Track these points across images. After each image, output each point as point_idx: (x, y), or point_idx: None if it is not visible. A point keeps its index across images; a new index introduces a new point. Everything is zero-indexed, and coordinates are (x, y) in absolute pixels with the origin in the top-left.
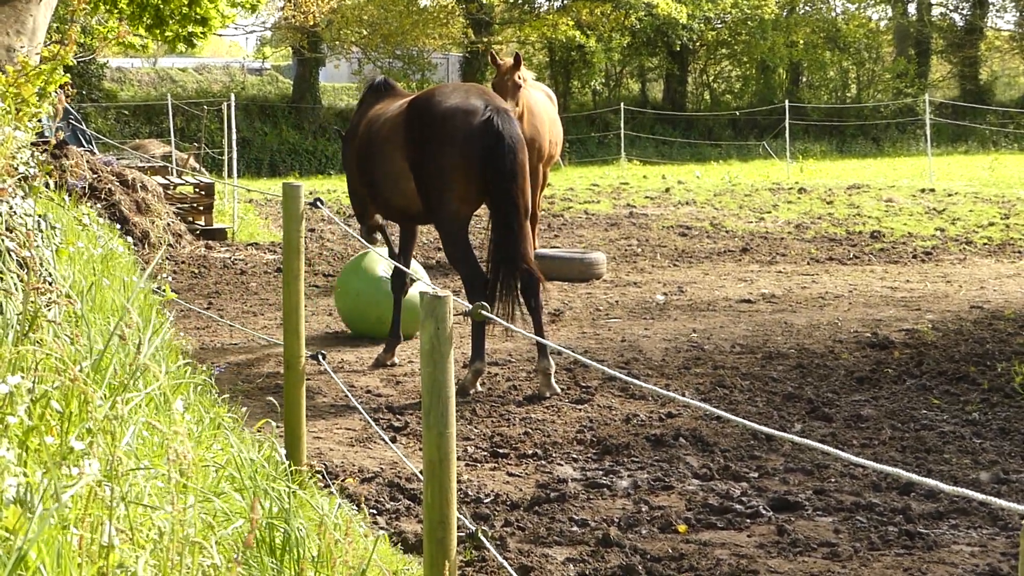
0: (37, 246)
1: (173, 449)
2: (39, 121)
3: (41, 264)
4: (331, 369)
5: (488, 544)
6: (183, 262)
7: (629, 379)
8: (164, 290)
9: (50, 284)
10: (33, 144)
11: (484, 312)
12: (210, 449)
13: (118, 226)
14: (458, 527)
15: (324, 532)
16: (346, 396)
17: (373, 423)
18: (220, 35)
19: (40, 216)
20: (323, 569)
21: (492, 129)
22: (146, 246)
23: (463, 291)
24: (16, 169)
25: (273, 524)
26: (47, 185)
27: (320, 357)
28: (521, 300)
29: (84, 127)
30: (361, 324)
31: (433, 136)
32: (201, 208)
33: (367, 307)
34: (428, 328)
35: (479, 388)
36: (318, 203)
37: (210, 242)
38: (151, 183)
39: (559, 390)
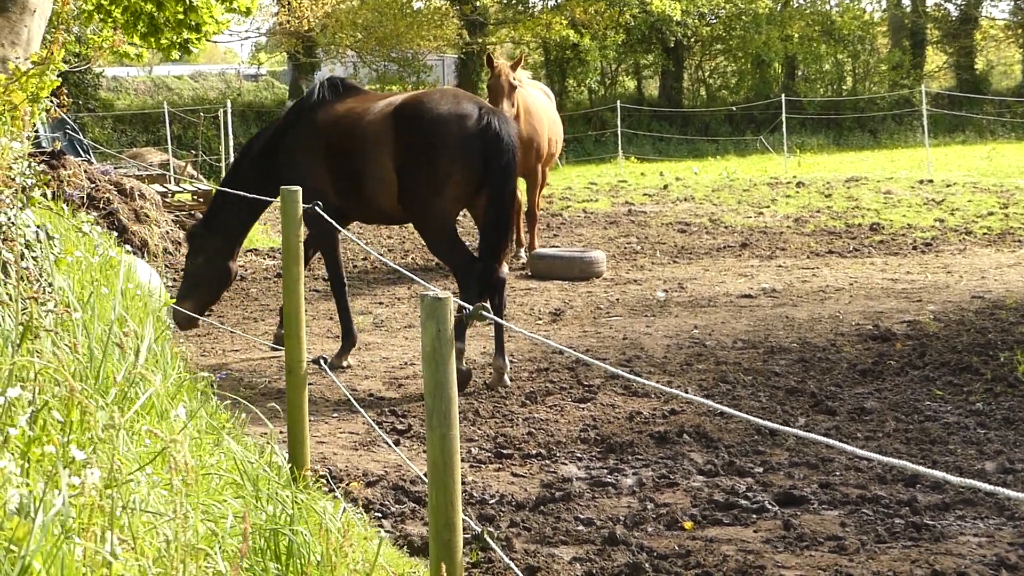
0: (36, 257)
1: (173, 457)
2: (36, 131)
3: (41, 274)
4: (333, 373)
5: (494, 545)
6: (182, 270)
7: (631, 376)
8: (163, 298)
9: (49, 294)
10: (31, 154)
11: (484, 312)
12: (213, 455)
13: (116, 235)
14: (464, 528)
15: (327, 536)
16: (348, 400)
17: (376, 427)
18: (216, 42)
19: (39, 226)
20: (327, 573)
21: (491, 130)
22: (145, 254)
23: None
24: (13, 180)
25: (277, 530)
26: (44, 195)
27: (322, 361)
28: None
29: (81, 137)
30: None
31: (427, 142)
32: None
33: None
34: (429, 330)
35: (508, 381)
36: (316, 207)
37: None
38: (149, 191)
39: (509, 383)
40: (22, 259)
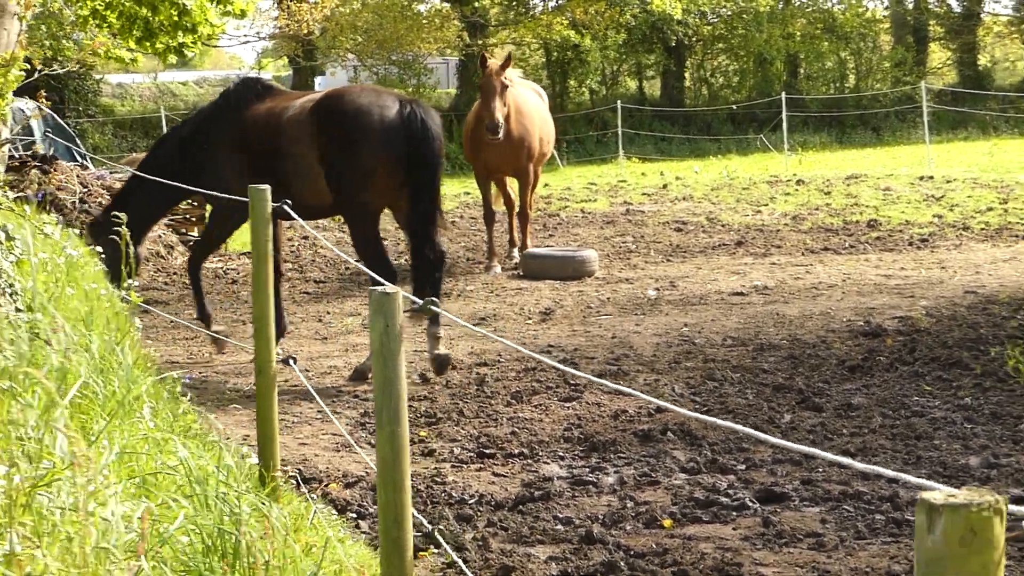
0: None
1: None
2: (45, 135)
3: (0, 275)
4: (308, 373)
5: (444, 542)
6: (175, 273)
7: (600, 381)
8: (131, 298)
9: (12, 296)
10: (22, 158)
11: (434, 307)
12: (176, 457)
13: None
14: (417, 526)
15: (274, 537)
16: (332, 401)
17: (342, 426)
18: (218, 47)
19: (0, 227)
20: (277, 573)
21: (416, 120)
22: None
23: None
24: None
25: (224, 531)
26: (7, 196)
27: (291, 361)
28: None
29: (79, 143)
30: None
31: (350, 135)
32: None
33: None
34: (377, 326)
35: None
36: (285, 206)
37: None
38: None
39: (448, 353)
40: None
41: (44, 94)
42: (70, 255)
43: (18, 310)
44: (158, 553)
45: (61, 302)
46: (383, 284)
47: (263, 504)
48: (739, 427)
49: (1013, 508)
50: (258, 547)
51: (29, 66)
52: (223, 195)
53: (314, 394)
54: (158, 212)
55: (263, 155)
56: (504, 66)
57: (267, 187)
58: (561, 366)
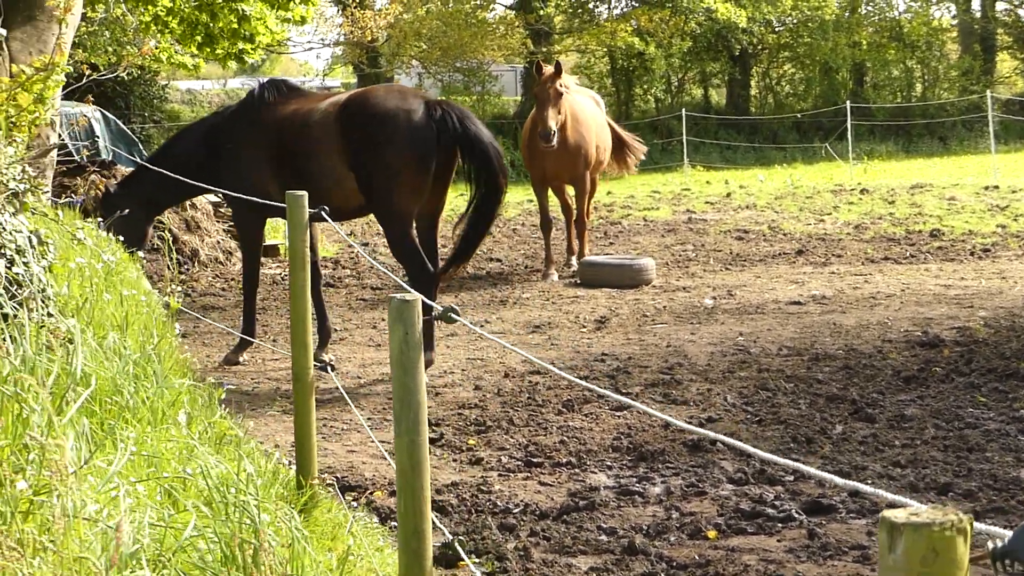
0: (27, 263)
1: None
2: (95, 141)
3: (32, 280)
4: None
5: (463, 554)
6: (232, 279)
7: (609, 393)
8: (171, 303)
9: (44, 301)
10: (80, 164)
11: (453, 315)
12: (198, 464)
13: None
14: (438, 535)
15: (296, 545)
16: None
17: (386, 435)
18: (285, 53)
19: (32, 232)
20: None
21: (451, 120)
22: (195, 264)
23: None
24: (6, 185)
25: (244, 540)
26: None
27: (329, 369)
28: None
29: (143, 148)
30: None
31: (374, 137)
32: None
33: None
34: (397, 333)
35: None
36: (322, 212)
37: (262, 259)
38: (201, 201)
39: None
40: (12, 265)
41: (92, 98)
42: (107, 260)
43: (49, 315)
44: (167, 562)
45: (98, 307)
46: (407, 291)
47: (285, 512)
48: (712, 434)
49: (980, 527)
50: (276, 557)
51: (74, 71)
52: (235, 194)
53: (348, 401)
54: (165, 202)
55: (287, 156)
56: (556, 73)
57: (304, 193)
58: (574, 378)
